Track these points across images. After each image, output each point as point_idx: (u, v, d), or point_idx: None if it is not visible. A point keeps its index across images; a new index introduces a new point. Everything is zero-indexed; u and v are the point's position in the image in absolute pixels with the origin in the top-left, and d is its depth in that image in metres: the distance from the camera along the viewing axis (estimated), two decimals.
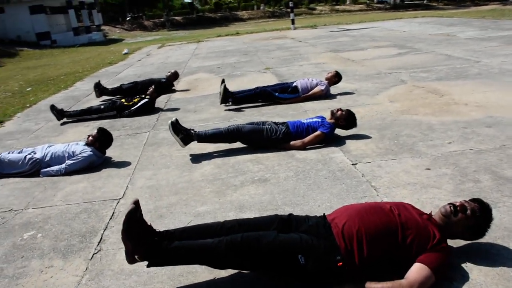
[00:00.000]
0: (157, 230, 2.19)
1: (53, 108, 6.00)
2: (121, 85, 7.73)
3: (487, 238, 2.34)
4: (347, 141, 4.17)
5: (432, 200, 2.85)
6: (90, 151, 4.11)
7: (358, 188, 3.13)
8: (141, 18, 42.11)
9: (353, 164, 3.59)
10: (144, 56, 15.28)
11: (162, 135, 4.98)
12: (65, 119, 6.10)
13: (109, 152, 4.48)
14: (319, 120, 4.23)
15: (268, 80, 7.76)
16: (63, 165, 4.03)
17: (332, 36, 15.52)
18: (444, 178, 3.17)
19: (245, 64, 10.31)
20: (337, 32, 16.92)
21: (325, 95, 5.98)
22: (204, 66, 10.72)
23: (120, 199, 3.39)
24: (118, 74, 10.89)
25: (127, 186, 3.63)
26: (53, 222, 3.12)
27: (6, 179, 4.07)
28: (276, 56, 11.24)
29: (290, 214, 2.27)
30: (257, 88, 6.07)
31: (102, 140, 4.20)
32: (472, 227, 2.13)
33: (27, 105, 7.82)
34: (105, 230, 2.93)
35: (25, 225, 3.12)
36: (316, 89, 5.92)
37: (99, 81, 7.65)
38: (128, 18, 39.10)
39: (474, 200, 2.18)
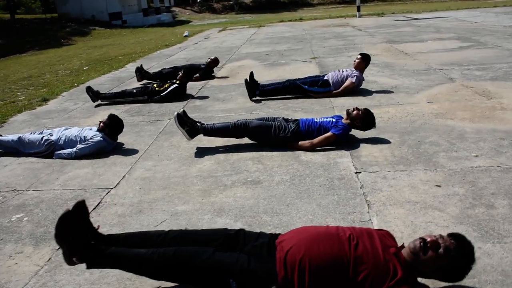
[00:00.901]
0: (101, 234, 2.11)
1: (89, 89, 6.18)
2: (162, 69, 7.82)
3: (475, 281, 2.00)
4: (362, 145, 3.82)
5: (428, 225, 2.49)
6: (100, 137, 4.15)
7: (350, 202, 2.83)
8: (211, 1, 42.68)
9: (356, 173, 3.26)
10: (202, 39, 15.44)
11: None
12: (99, 101, 6.27)
13: (125, 138, 4.52)
14: (333, 120, 3.91)
15: (310, 70, 7.44)
16: (74, 149, 4.12)
17: (395, 25, 14.59)
18: (453, 199, 2.77)
19: (295, 52, 9.99)
20: (402, 21, 15.88)
21: (358, 86, 5.58)
22: (254, 52, 10.56)
23: (111, 189, 3.38)
24: (169, 57, 11.07)
25: (124, 175, 3.61)
26: (43, 206, 3.18)
27: (25, 158, 4.25)
28: (329, 45, 10.78)
29: (240, 230, 2.07)
30: (287, 81, 5.81)
31: (112, 126, 4.22)
32: (444, 268, 1.79)
33: (75, 84, 8.17)
34: None
35: (18, 207, 3.20)
36: (346, 83, 5.52)
37: (141, 65, 7.80)
38: (198, 0, 39.76)
39: (452, 236, 1.83)
